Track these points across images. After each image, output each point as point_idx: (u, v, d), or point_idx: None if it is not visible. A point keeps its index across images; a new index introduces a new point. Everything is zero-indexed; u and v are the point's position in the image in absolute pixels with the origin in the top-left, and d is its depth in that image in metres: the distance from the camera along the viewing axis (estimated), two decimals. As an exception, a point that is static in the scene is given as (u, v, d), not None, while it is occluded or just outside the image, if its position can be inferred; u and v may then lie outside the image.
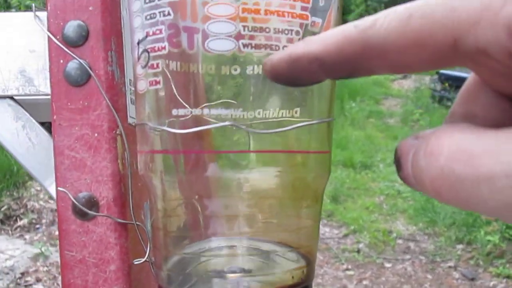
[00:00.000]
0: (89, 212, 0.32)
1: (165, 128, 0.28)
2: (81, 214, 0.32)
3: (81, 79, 0.32)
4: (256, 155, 0.30)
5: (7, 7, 4.95)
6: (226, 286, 0.30)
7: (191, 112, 0.27)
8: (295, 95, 0.30)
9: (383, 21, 0.17)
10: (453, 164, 0.15)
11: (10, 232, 2.85)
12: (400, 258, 2.80)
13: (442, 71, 6.22)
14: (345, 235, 2.99)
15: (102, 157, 0.32)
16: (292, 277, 0.31)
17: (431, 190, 0.16)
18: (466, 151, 0.15)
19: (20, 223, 2.93)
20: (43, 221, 2.97)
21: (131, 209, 0.33)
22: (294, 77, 0.21)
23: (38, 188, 3.27)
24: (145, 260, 0.33)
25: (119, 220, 0.32)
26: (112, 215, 0.32)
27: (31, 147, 0.35)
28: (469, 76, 0.21)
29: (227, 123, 0.27)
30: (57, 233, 2.75)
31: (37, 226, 2.92)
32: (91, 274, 0.32)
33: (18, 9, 4.74)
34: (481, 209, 0.15)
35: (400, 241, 3.01)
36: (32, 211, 3.04)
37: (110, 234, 0.32)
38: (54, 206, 3.09)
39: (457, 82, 5.82)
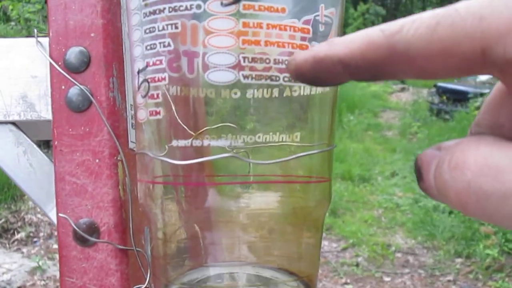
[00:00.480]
0: (90, 238, 0.32)
1: (165, 158, 0.28)
2: (82, 241, 0.32)
3: (83, 105, 0.33)
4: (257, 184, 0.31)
5: (7, 20, 4.97)
6: None
7: (191, 144, 0.27)
8: (296, 120, 0.30)
9: (410, 26, 0.17)
10: (480, 180, 0.15)
11: (7, 245, 2.83)
12: (399, 272, 2.79)
13: (440, 83, 6.25)
14: (344, 249, 2.98)
15: (103, 183, 0.32)
16: None
17: (456, 203, 0.16)
18: (493, 166, 0.15)
19: (17, 236, 2.92)
20: (41, 234, 2.96)
21: (132, 235, 0.33)
22: (318, 77, 0.21)
23: (36, 201, 3.26)
24: (145, 287, 0.33)
25: (120, 247, 0.33)
26: (113, 241, 0.32)
27: (32, 173, 0.35)
28: (495, 85, 0.20)
29: (227, 154, 0.27)
30: (54, 246, 2.74)
31: (35, 239, 2.90)
32: (91, 300, 0.32)
33: (18, 22, 4.76)
34: (507, 223, 0.15)
35: (399, 255, 3.00)
36: (30, 225, 3.03)
37: (111, 261, 0.32)
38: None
39: (455, 95, 5.85)
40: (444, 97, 6.02)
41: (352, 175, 4.09)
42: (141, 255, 0.33)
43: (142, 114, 0.29)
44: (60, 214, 0.32)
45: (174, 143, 0.27)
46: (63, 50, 0.33)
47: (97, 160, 0.33)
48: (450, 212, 3.42)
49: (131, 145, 0.35)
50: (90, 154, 0.33)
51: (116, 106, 0.34)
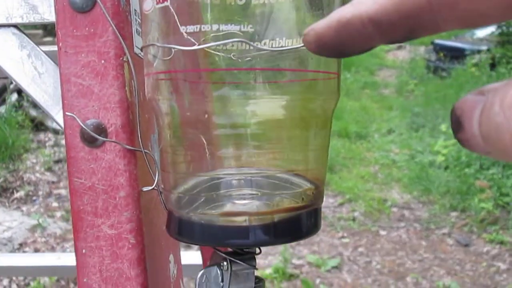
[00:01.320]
0: (98, 137, 0.32)
1: (174, 46, 0.28)
2: (89, 141, 0.32)
3: (87, 5, 0.32)
4: (263, 83, 0.30)
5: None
6: (236, 208, 0.30)
7: (200, 29, 0.27)
8: (305, 22, 0.30)
9: None
10: None
11: (7, 204, 2.85)
12: (395, 226, 2.82)
13: (437, 41, 6.19)
14: (341, 204, 3.02)
15: (110, 84, 0.32)
16: (302, 199, 0.31)
17: None
18: None
19: (16, 195, 2.93)
20: (40, 193, 2.97)
21: (139, 136, 0.33)
22: (344, 44, 0.18)
23: (34, 161, 3.26)
24: (153, 188, 0.33)
25: (128, 147, 0.33)
26: (120, 142, 0.32)
27: (36, 76, 0.34)
28: None
29: (236, 39, 0.27)
30: (54, 204, 2.76)
31: (34, 198, 2.92)
32: (100, 200, 0.32)
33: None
34: None
35: (395, 209, 3.03)
36: (29, 183, 3.04)
37: (119, 161, 0.33)
38: (50, 178, 3.09)
39: (452, 52, 5.81)
40: (441, 54, 5.98)
41: (349, 132, 4.10)
42: (148, 156, 0.33)
43: (148, 4, 0.28)
44: (68, 113, 0.32)
45: (183, 29, 0.27)
46: (64, -50, 0.33)
47: (102, 61, 0.32)
48: (446, 168, 3.44)
49: (136, 51, 0.35)
50: (95, 55, 0.32)
51: (121, 7, 0.33)
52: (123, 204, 0.32)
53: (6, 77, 0.36)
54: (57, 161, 3.29)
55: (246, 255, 0.32)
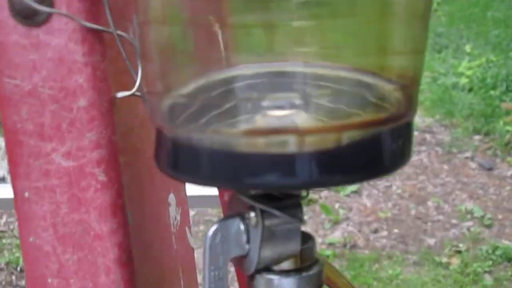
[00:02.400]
0: (40, 7, 0.19)
1: None
2: (25, 15, 0.19)
3: None
4: None
5: None
6: (271, 122, 0.18)
7: None
8: None
9: None
10: None
11: None
12: (416, 150, 2.75)
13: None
14: (360, 127, 2.93)
15: None
16: (385, 108, 0.18)
17: None
18: None
19: None
20: None
21: (108, 7, 0.20)
22: None
23: None
24: (133, 93, 0.20)
25: (89, 24, 0.19)
26: (75, 15, 0.19)
27: None
28: None
29: None
30: None
31: None
32: (48, 113, 0.20)
33: None
34: None
35: (416, 133, 2.95)
36: None
37: (75, 48, 0.20)
38: None
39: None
40: (467, -31, 5.63)
41: (367, 53, 3.93)
42: (125, 42, 0.20)
43: None
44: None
45: None
46: None
47: None
48: (470, 90, 3.33)
49: None
50: None
51: None
52: (84, 120, 0.20)
53: None
54: None
55: (287, 201, 0.19)
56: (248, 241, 0.20)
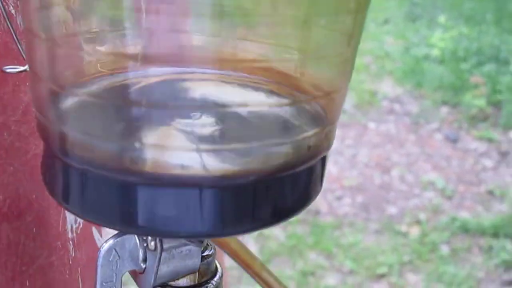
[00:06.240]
0: None
1: None
2: None
3: None
4: None
5: None
6: (167, 159, 0.16)
7: None
8: None
9: None
10: None
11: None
12: (384, 119, 2.76)
13: None
14: (330, 95, 2.92)
15: None
16: (301, 147, 0.17)
17: None
18: None
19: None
20: None
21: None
22: None
23: None
24: (25, 70, 0.19)
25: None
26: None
27: None
28: None
29: None
30: None
31: None
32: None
33: None
34: None
35: (385, 102, 2.96)
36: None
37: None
38: None
39: None
40: None
41: (343, 19, 3.88)
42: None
43: None
44: None
45: None
46: None
47: None
48: (441, 61, 3.34)
49: None
50: None
51: None
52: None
53: None
54: None
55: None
56: (145, 260, 0.19)
